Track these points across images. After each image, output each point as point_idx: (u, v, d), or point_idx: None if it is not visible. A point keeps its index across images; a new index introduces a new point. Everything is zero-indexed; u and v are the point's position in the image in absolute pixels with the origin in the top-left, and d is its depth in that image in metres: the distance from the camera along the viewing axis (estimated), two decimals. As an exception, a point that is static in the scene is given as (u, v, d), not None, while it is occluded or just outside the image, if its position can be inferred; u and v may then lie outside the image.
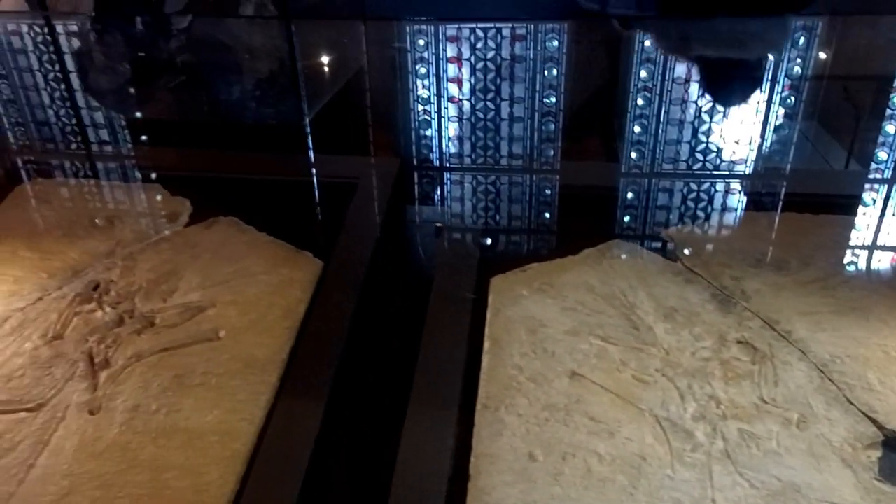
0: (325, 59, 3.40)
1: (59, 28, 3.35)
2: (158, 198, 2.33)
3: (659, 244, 2.05)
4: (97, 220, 2.20)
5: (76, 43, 3.30)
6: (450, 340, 1.71)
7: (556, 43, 2.98)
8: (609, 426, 1.51)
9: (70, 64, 3.08)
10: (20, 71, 3.02)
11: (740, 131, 2.59)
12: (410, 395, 1.58)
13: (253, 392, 1.65)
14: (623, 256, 2.03)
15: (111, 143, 2.69)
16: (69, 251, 2.09)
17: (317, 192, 2.43)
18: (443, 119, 2.70)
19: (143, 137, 2.74)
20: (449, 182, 2.46)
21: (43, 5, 3.70)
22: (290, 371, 1.67)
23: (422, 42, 3.04)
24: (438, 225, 2.32)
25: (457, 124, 2.68)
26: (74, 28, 3.40)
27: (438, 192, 2.40)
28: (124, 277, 1.99)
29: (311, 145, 2.69)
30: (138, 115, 2.93)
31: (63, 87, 2.98)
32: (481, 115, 2.67)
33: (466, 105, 2.72)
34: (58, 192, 2.40)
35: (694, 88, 2.71)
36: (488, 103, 2.70)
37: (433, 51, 3.00)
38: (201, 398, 1.63)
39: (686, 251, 2.03)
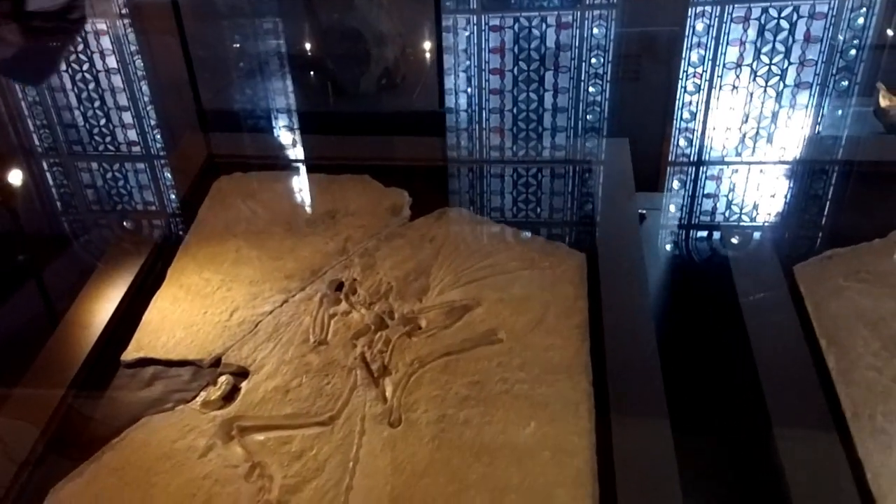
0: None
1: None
2: (373, 189, 2.15)
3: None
4: (317, 215, 2.04)
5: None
6: (777, 339, 1.52)
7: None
8: None
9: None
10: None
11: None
12: (752, 400, 1.38)
13: (567, 401, 1.47)
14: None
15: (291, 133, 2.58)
16: (298, 249, 1.94)
17: (547, 176, 2.26)
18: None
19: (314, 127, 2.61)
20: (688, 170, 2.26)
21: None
22: (604, 376, 1.48)
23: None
24: (642, 212, 2.13)
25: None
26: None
27: (687, 181, 2.22)
28: (368, 276, 1.84)
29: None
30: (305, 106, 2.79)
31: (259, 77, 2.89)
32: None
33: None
34: (260, 185, 2.22)
35: None
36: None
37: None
38: (510, 408, 1.46)
39: None
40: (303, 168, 2.30)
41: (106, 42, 2.86)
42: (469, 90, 2.59)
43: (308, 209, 2.08)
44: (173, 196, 2.31)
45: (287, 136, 2.59)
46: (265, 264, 1.89)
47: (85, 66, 2.80)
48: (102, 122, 2.66)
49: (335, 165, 2.27)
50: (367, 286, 1.80)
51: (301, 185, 2.24)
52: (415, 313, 1.71)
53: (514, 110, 2.53)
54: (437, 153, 2.39)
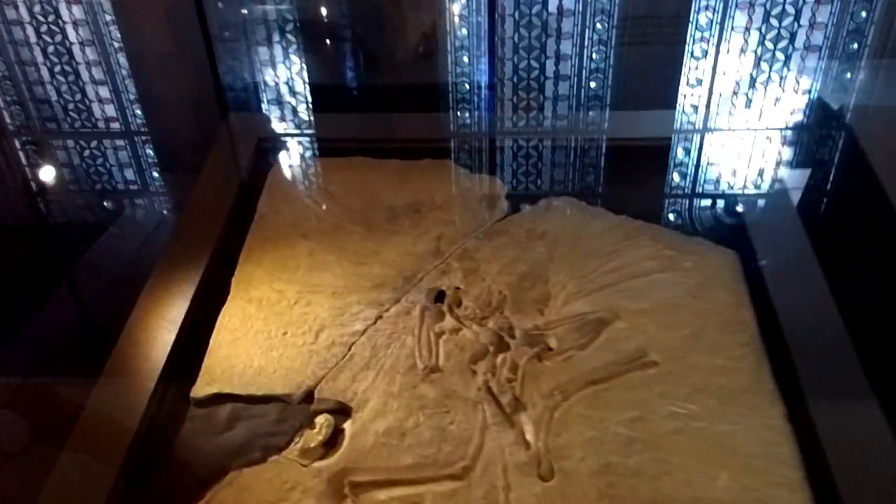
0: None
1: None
2: (458, 176, 1.84)
3: None
4: (399, 209, 1.71)
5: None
6: None
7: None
8: None
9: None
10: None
11: None
12: None
13: (762, 442, 1.17)
14: None
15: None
16: (383, 251, 1.64)
17: (662, 153, 1.92)
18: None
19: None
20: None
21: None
22: (802, 408, 1.19)
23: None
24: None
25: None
26: None
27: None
28: (472, 283, 1.54)
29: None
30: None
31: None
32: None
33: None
34: (325, 174, 1.91)
35: None
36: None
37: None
38: (690, 453, 1.16)
39: None
40: (370, 152, 2.00)
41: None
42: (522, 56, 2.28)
43: (387, 202, 1.76)
44: (224, 188, 2.00)
45: (335, 116, 2.27)
46: (347, 271, 1.59)
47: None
48: (126, 102, 2.34)
49: (402, 149, 1.98)
50: (475, 296, 1.50)
51: (373, 172, 1.88)
52: (540, 329, 1.43)
53: (596, 74, 2.23)
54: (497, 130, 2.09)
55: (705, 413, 1.22)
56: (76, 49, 2.33)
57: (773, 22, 2.14)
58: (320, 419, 1.27)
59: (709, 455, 1.16)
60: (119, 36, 2.34)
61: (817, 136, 1.99)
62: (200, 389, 1.34)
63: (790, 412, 1.20)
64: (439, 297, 1.52)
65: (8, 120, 2.31)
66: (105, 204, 2.04)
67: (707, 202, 1.77)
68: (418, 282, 1.55)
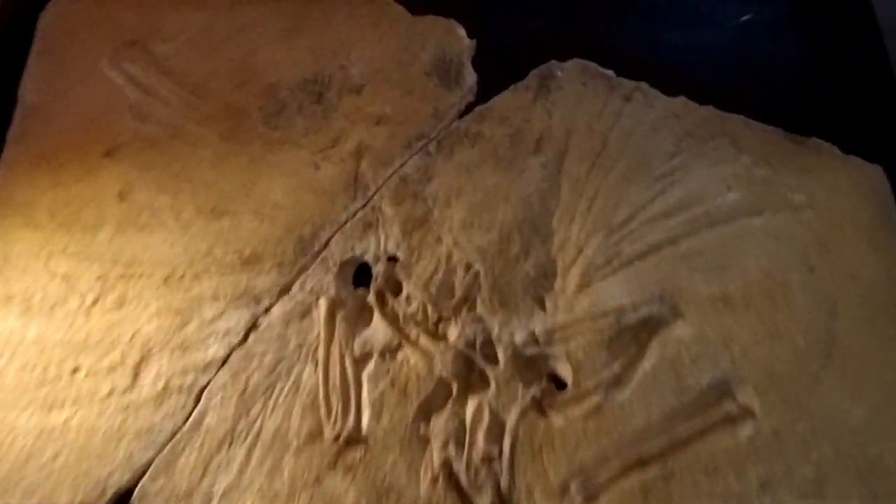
0: None
1: None
2: (392, 20, 1.00)
3: None
4: (286, 90, 0.93)
5: None
6: None
7: None
8: None
9: None
10: None
11: None
12: None
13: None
14: None
15: None
16: (259, 184, 0.87)
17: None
18: None
19: None
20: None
21: None
22: None
23: None
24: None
25: None
26: None
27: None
28: (421, 248, 0.83)
29: None
30: None
31: None
32: None
33: None
34: (145, 21, 1.01)
35: None
36: None
37: None
38: None
39: None
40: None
41: None
42: None
43: (266, 78, 0.96)
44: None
45: None
46: (192, 228, 0.86)
47: None
48: None
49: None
50: (424, 275, 0.85)
51: (241, 14, 1.01)
52: (540, 344, 0.84)
53: None
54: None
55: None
56: None
57: None
58: (144, 562, 0.74)
59: None
60: None
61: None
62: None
63: None
64: (361, 276, 0.88)
65: None
66: None
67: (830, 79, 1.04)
68: (322, 248, 0.88)
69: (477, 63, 0.99)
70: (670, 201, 0.86)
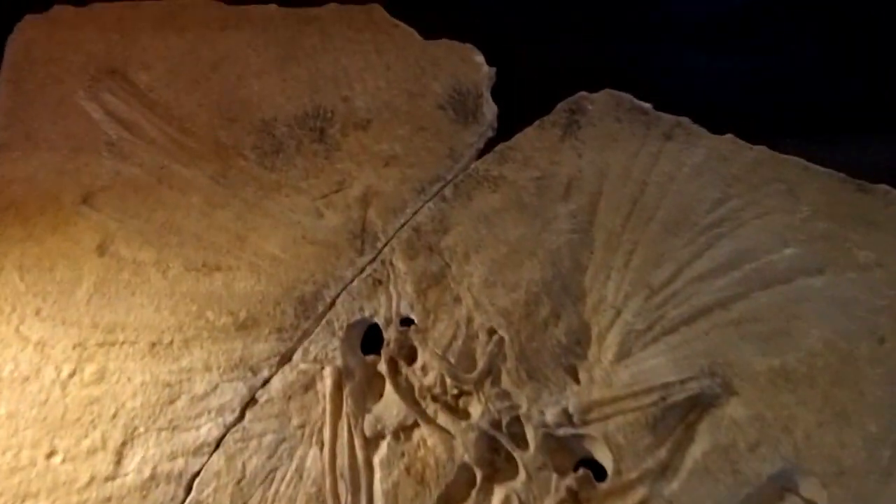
0: None
1: None
2: (400, 46, 0.88)
3: None
4: (281, 123, 0.82)
5: None
6: None
7: None
8: None
9: None
10: None
11: None
12: None
13: None
14: None
15: None
16: (252, 236, 0.78)
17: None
18: None
19: None
20: None
21: None
22: None
23: None
24: None
25: None
26: None
27: None
28: (437, 310, 0.74)
29: None
30: None
31: None
32: None
33: None
34: (124, 39, 0.90)
35: None
36: None
37: None
38: None
39: None
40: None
41: None
42: None
43: (260, 113, 0.85)
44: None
45: None
46: (180, 287, 0.76)
47: None
48: None
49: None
50: (442, 340, 0.76)
51: (229, 38, 0.90)
52: (574, 423, 0.73)
53: None
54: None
55: None
56: None
57: None
58: None
59: None
60: None
61: None
62: None
63: None
64: (371, 341, 0.79)
65: None
66: None
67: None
68: (327, 309, 0.79)
69: (497, 94, 0.88)
70: (718, 258, 0.77)
